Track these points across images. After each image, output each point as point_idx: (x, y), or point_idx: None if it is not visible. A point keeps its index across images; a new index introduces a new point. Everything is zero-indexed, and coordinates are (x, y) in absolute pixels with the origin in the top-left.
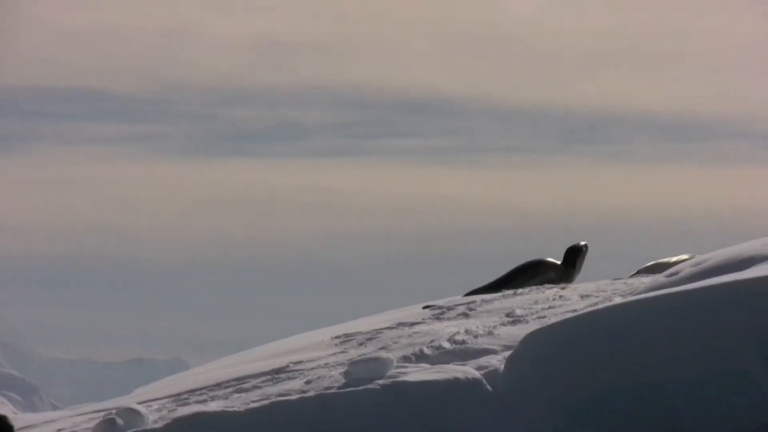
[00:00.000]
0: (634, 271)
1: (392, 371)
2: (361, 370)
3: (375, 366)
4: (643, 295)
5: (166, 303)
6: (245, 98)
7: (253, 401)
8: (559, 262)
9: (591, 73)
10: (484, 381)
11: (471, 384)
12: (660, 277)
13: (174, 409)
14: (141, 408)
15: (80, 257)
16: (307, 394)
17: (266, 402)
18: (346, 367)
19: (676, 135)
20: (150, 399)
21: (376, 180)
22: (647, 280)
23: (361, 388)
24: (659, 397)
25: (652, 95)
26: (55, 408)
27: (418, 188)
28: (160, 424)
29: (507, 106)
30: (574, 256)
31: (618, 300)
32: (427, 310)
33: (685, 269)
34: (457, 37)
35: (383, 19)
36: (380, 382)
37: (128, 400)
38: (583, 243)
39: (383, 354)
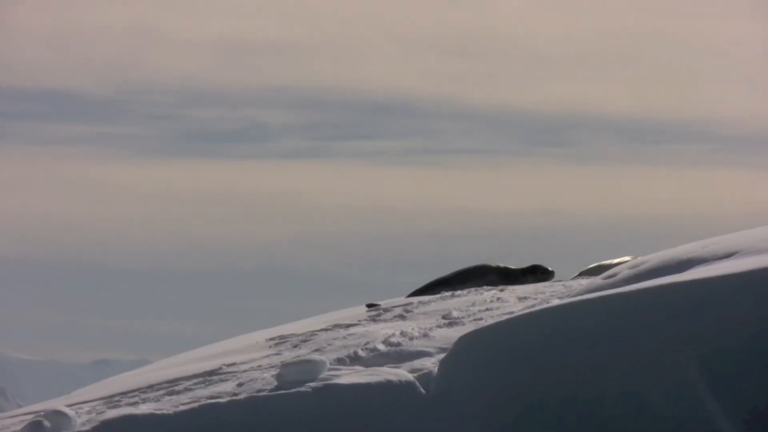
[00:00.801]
0: (576, 274)
1: (325, 374)
2: (293, 373)
3: (307, 368)
4: (577, 298)
5: (130, 304)
6: (209, 99)
7: (183, 404)
8: (512, 268)
9: (555, 75)
10: (417, 384)
11: (403, 387)
12: (597, 280)
13: (103, 412)
14: (69, 410)
15: (43, 258)
16: (237, 397)
17: (195, 405)
18: (278, 370)
19: (639, 137)
20: (82, 401)
21: (341, 182)
22: (585, 282)
23: (292, 390)
24: (594, 403)
25: (615, 98)
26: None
27: (383, 190)
28: (87, 427)
29: (472, 108)
30: (529, 272)
31: (555, 302)
32: (366, 310)
33: (623, 271)
34: (422, 39)
35: (349, 21)
36: (312, 384)
37: (59, 402)
38: (545, 267)
39: (315, 356)
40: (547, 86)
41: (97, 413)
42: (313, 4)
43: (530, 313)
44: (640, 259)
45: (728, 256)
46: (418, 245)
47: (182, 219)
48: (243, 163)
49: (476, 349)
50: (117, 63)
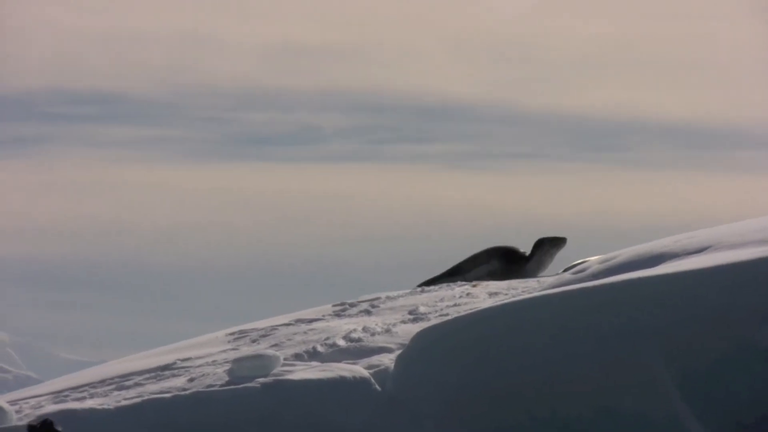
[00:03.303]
0: (561, 270)
1: (278, 369)
2: (245, 368)
3: (259, 364)
4: (539, 293)
5: (181, 306)
6: (262, 102)
7: (127, 399)
8: (522, 251)
9: (608, 80)
10: (372, 380)
11: (358, 383)
12: (566, 275)
13: (41, 406)
14: (5, 405)
15: (96, 260)
16: (183, 393)
17: (138, 400)
18: (230, 365)
19: (692, 142)
20: (30, 396)
21: (394, 185)
22: (554, 278)
23: (240, 386)
24: (557, 401)
25: (668, 103)
26: None
27: (435, 193)
28: (24, 422)
29: (524, 112)
30: (535, 248)
31: (518, 297)
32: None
33: (593, 266)
34: (474, 42)
35: (402, 24)
36: (261, 380)
37: (5, 396)
38: (551, 237)
39: (268, 351)
40: (600, 91)
41: (36, 408)
42: (366, 6)
43: (490, 309)
44: (611, 253)
45: (700, 251)
46: (471, 249)
47: (235, 222)
48: (296, 167)
49: (433, 345)
50: (171, 66)
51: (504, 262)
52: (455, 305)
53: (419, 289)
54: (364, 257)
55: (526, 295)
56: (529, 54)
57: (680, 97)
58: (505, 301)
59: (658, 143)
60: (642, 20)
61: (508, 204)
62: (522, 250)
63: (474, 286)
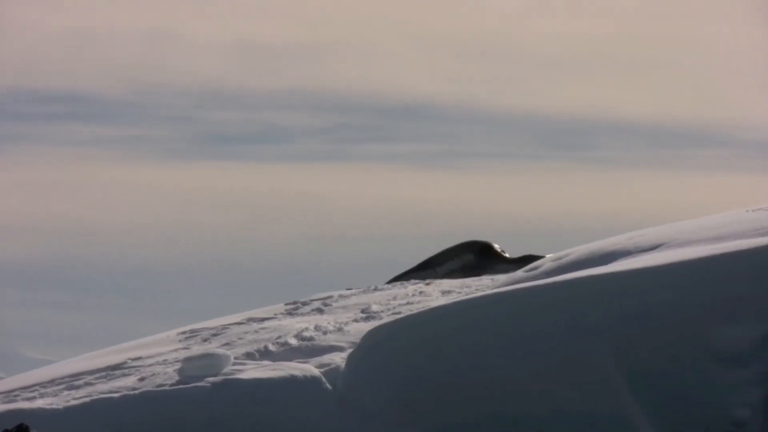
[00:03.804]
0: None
1: (228, 368)
2: (194, 367)
3: (209, 363)
4: (490, 291)
5: (143, 304)
6: (228, 101)
7: (76, 399)
8: (495, 247)
9: (574, 78)
10: (323, 379)
11: (308, 382)
12: (519, 272)
13: None
14: None
15: (61, 258)
16: (132, 392)
17: (87, 399)
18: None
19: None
20: None
21: (359, 184)
22: (505, 276)
23: (189, 385)
24: (506, 400)
25: (634, 101)
26: None
27: (401, 193)
28: None
29: (491, 111)
30: (521, 262)
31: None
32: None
33: (546, 263)
34: (441, 42)
35: (367, 23)
36: (211, 379)
37: None
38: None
39: (218, 350)
40: (566, 90)
41: None
42: (331, 6)
43: (440, 307)
44: (564, 251)
45: (653, 248)
46: (436, 248)
47: (199, 221)
48: (261, 166)
49: (383, 344)
50: (134, 65)
51: (479, 256)
52: (408, 303)
53: (389, 285)
54: (331, 256)
55: (478, 293)
56: (496, 53)
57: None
58: (457, 299)
59: (627, 142)
60: (611, 19)
61: (476, 204)
62: (497, 246)
63: (427, 284)
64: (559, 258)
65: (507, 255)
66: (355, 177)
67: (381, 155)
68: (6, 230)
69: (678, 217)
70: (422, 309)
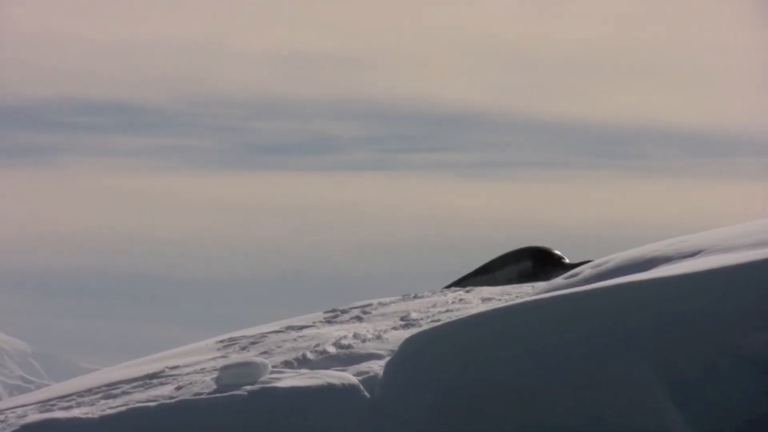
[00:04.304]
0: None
1: (266, 377)
2: (231, 376)
3: (246, 371)
4: (529, 298)
5: (195, 315)
6: (277, 111)
7: (112, 408)
8: (556, 253)
9: (623, 87)
10: (361, 387)
11: (346, 390)
12: (558, 279)
13: (25, 416)
14: None
15: (115, 269)
16: (168, 401)
17: (123, 408)
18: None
19: (708, 150)
20: (17, 405)
21: (409, 194)
22: (545, 284)
23: (226, 394)
24: (543, 411)
25: (683, 109)
26: None
27: (450, 202)
28: (8, 431)
29: (539, 120)
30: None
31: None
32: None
33: (585, 270)
34: (490, 50)
35: (416, 33)
36: (248, 388)
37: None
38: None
39: (256, 358)
40: (614, 98)
41: (20, 417)
42: (380, 14)
43: (478, 314)
44: (603, 258)
45: (694, 254)
46: (488, 256)
47: (250, 231)
48: (310, 175)
49: (421, 351)
50: (185, 75)
51: (535, 263)
52: (447, 311)
53: (429, 292)
54: (382, 264)
55: (517, 301)
56: (543, 61)
57: (694, 104)
58: (495, 306)
59: (672, 150)
60: (657, 26)
61: (524, 212)
62: (557, 252)
63: (467, 291)
64: (599, 265)
65: (567, 260)
66: (404, 186)
67: (429, 164)
68: (53, 239)
69: (720, 223)
70: (460, 316)
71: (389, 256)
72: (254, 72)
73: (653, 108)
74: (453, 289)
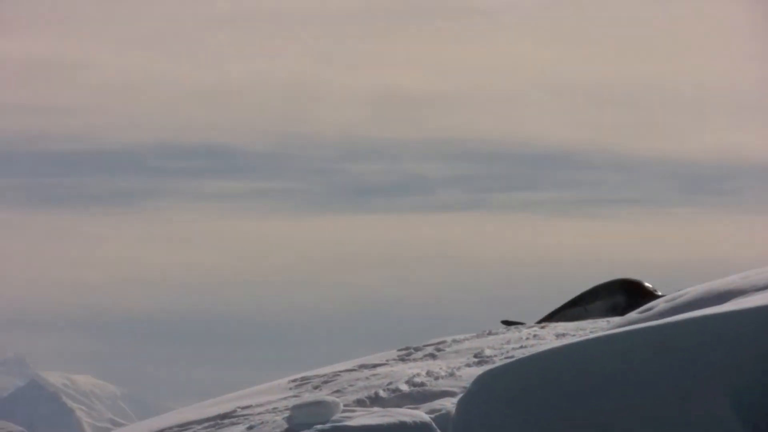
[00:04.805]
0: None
1: (338, 416)
2: (304, 415)
3: (318, 410)
4: (604, 333)
5: (291, 357)
6: (368, 152)
7: None
8: (649, 287)
9: (710, 122)
10: (433, 425)
11: (418, 428)
12: (633, 314)
13: None
14: None
15: (204, 312)
16: None
17: None
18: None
19: None
20: None
21: (501, 232)
22: (622, 318)
23: None
24: None
25: None
26: None
27: (543, 241)
28: None
29: (630, 157)
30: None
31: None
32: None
33: (660, 305)
34: (578, 88)
35: (506, 72)
36: (319, 427)
37: None
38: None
39: (327, 397)
40: (704, 134)
41: None
42: (470, 55)
43: (552, 349)
44: (678, 292)
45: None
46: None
47: (344, 273)
48: (403, 216)
49: (495, 388)
50: (276, 117)
51: (627, 296)
52: (521, 347)
53: (504, 329)
54: (471, 303)
55: (591, 335)
56: (631, 98)
57: None
58: (569, 341)
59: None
60: (749, 63)
61: (615, 249)
62: (649, 285)
63: (542, 327)
64: (674, 299)
65: (659, 293)
66: (495, 225)
67: (520, 203)
68: (145, 284)
69: None
70: (533, 352)
71: (480, 294)
72: (345, 112)
73: (745, 144)
74: (528, 325)
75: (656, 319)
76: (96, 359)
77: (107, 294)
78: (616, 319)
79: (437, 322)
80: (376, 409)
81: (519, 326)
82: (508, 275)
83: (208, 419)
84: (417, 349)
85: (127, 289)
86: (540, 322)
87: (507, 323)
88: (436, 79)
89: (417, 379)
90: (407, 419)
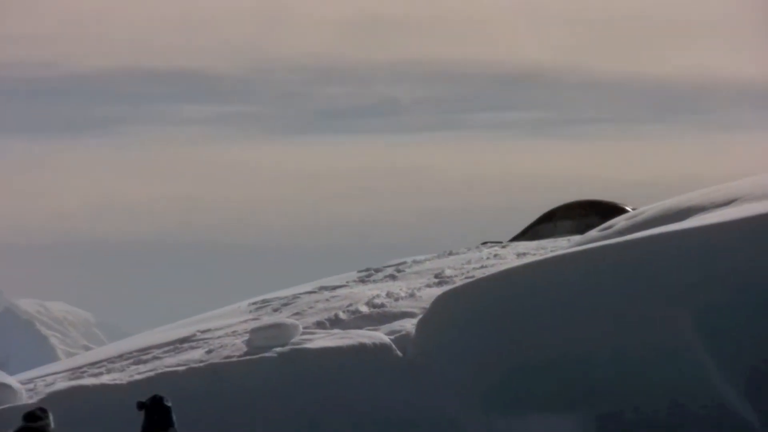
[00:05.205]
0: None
1: (297, 338)
2: (262, 338)
3: (277, 333)
4: (562, 251)
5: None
6: (339, 76)
7: (141, 373)
8: (621, 207)
9: (685, 42)
10: (393, 346)
11: (377, 349)
12: (593, 232)
13: (53, 384)
14: (14, 383)
15: (173, 237)
16: (198, 365)
17: (152, 374)
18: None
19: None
20: (47, 374)
21: (472, 154)
22: (582, 236)
23: (256, 356)
24: (583, 363)
25: (748, 64)
26: None
27: (514, 161)
28: (34, 399)
29: (600, 77)
30: None
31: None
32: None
33: (620, 222)
34: (549, 7)
35: None
36: (279, 349)
37: (18, 376)
38: None
39: (286, 320)
40: (679, 54)
41: (49, 385)
42: None
43: (511, 269)
44: (638, 209)
45: (728, 203)
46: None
47: (315, 196)
48: (374, 139)
49: (454, 309)
50: (247, 42)
51: (601, 216)
52: (482, 267)
53: (465, 249)
54: (445, 223)
55: (551, 254)
56: (604, 18)
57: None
58: (528, 260)
59: (736, 104)
60: None
61: (589, 170)
62: (625, 206)
63: (503, 247)
64: (633, 216)
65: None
66: (467, 146)
67: (492, 124)
68: (118, 210)
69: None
70: (491, 272)
71: (453, 215)
72: (315, 36)
73: (717, 63)
74: (489, 245)
75: (616, 237)
76: (69, 286)
77: (80, 221)
78: (577, 238)
79: (411, 244)
80: (335, 331)
81: (481, 247)
82: (482, 195)
83: (168, 343)
84: (377, 271)
85: (100, 216)
86: (513, 239)
87: (486, 244)
88: (406, 1)
89: (377, 301)
90: (366, 341)
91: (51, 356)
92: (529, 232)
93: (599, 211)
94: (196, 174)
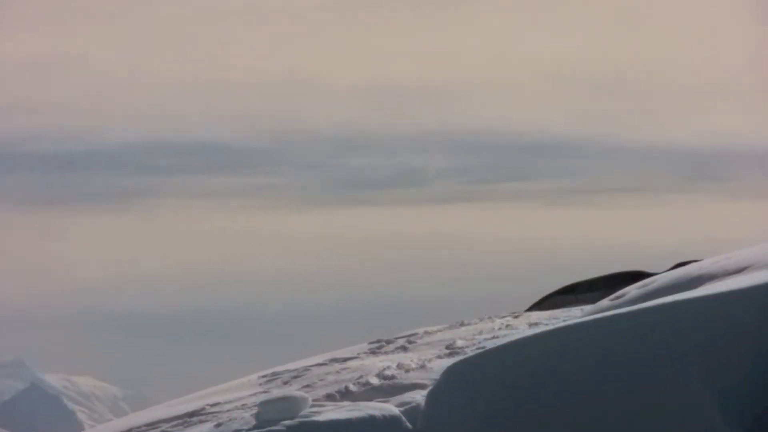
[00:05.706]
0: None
1: (306, 410)
2: (271, 411)
3: (285, 406)
4: (574, 321)
5: (287, 350)
6: (363, 146)
7: None
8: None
9: (708, 109)
10: (403, 418)
11: (387, 421)
12: (605, 301)
13: None
14: None
15: (201, 309)
16: None
17: None
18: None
19: None
20: None
21: (497, 223)
22: (594, 306)
23: (264, 430)
24: (591, 427)
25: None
26: None
27: (539, 230)
28: None
29: (625, 145)
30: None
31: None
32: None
33: (632, 291)
34: (570, 76)
35: (501, 62)
36: (287, 422)
37: None
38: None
39: (295, 393)
40: (701, 120)
41: None
42: (464, 46)
43: (522, 339)
44: (650, 278)
45: (739, 270)
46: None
47: (339, 267)
48: (398, 209)
49: (464, 379)
50: (270, 113)
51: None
52: (494, 337)
53: (477, 319)
54: (466, 292)
55: (562, 324)
56: (625, 86)
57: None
58: (540, 330)
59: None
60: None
61: (613, 238)
62: (652, 272)
63: (516, 317)
64: (645, 285)
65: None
66: (492, 216)
67: (516, 194)
68: (141, 282)
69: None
70: (501, 342)
71: (476, 284)
72: (339, 106)
73: (741, 129)
74: (501, 315)
75: (627, 306)
76: (96, 360)
77: (106, 293)
78: (589, 307)
79: (432, 315)
80: (345, 403)
81: (493, 318)
82: (505, 266)
83: (176, 417)
84: (389, 342)
85: (126, 288)
86: (528, 310)
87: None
88: (430, 69)
89: (387, 372)
90: (376, 413)
91: (78, 431)
92: (545, 303)
93: (624, 281)
94: (220, 246)
